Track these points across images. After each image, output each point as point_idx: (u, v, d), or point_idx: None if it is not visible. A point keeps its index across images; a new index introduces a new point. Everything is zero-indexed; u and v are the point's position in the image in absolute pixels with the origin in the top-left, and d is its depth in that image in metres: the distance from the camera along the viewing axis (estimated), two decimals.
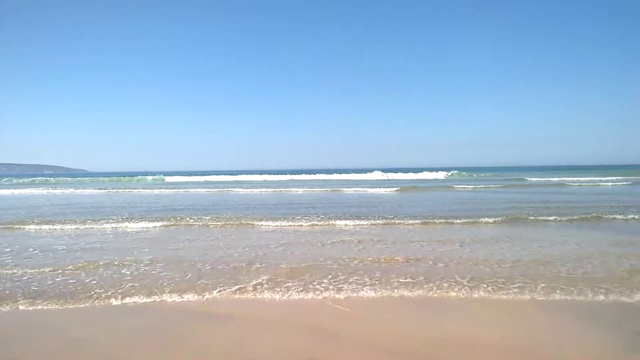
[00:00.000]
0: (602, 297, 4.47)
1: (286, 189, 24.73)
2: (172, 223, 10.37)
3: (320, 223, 10.28)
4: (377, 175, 42.48)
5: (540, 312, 4.07)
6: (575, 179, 32.88)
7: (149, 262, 6.26)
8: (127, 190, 26.30)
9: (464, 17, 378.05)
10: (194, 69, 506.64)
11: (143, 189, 27.45)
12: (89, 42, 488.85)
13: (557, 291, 4.63)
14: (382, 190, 22.48)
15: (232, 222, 10.51)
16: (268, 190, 24.45)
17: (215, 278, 5.36)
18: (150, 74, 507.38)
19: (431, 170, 50.19)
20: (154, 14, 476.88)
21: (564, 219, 10.28)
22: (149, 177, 46.22)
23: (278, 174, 52.41)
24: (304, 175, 46.22)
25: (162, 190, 25.48)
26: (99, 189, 27.14)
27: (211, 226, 10.08)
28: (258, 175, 45.47)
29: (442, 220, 10.23)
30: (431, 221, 10.22)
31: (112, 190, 25.88)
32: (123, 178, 47.01)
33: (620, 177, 33.83)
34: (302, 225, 10.07)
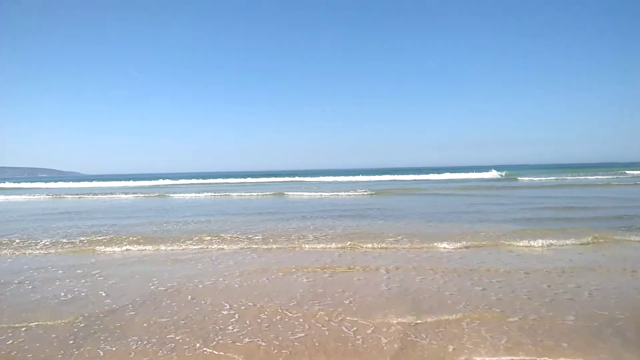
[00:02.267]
0: None
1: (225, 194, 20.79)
2: None
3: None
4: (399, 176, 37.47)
5: None
6: (586, 177, 28.96)
7: None
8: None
9: (460, 18, 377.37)
10: (186, 71, 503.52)
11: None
12: (81, 45, 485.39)
13: None
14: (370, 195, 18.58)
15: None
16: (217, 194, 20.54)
17: None
18: (144, 76, 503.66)
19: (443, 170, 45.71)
20: (147, 17, 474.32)
21: None
22: None
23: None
24: (328, 176, 41.19)
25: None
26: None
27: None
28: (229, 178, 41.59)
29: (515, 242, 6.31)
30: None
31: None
32: None
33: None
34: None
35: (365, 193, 18.51)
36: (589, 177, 28.78)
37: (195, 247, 6.75)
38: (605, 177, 29.22)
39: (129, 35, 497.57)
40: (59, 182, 44.74)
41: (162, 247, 6.75)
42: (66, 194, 23.64)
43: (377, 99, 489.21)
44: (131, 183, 39.19)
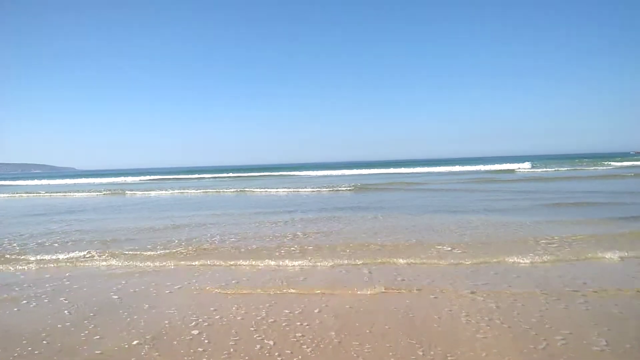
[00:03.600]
0: None
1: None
2: None
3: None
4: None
5: None
6: (583, 169, 27.02)
7: None
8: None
9: (460, 17, 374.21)
10: (182, 68, 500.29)
11: None
12: (77, 41, 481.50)
13: None
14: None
15: None
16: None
17: None
18: (140, 72, 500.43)
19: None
20: (142, 15, 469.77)
21: None
22: None
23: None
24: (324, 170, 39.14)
25: None
26: None
27: None
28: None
29: None
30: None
31: None
32: None
33: None
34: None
35: (351, 187, 16.54)
36: (588, 169, 27.40)
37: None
38: (602, 168, 27.82)
39: (129, 32, 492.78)
40: (33, 180, 42.61)
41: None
42: (32, 192, 21.75)
43: (382, 90, 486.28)
44: (103, 180, 37.08)
